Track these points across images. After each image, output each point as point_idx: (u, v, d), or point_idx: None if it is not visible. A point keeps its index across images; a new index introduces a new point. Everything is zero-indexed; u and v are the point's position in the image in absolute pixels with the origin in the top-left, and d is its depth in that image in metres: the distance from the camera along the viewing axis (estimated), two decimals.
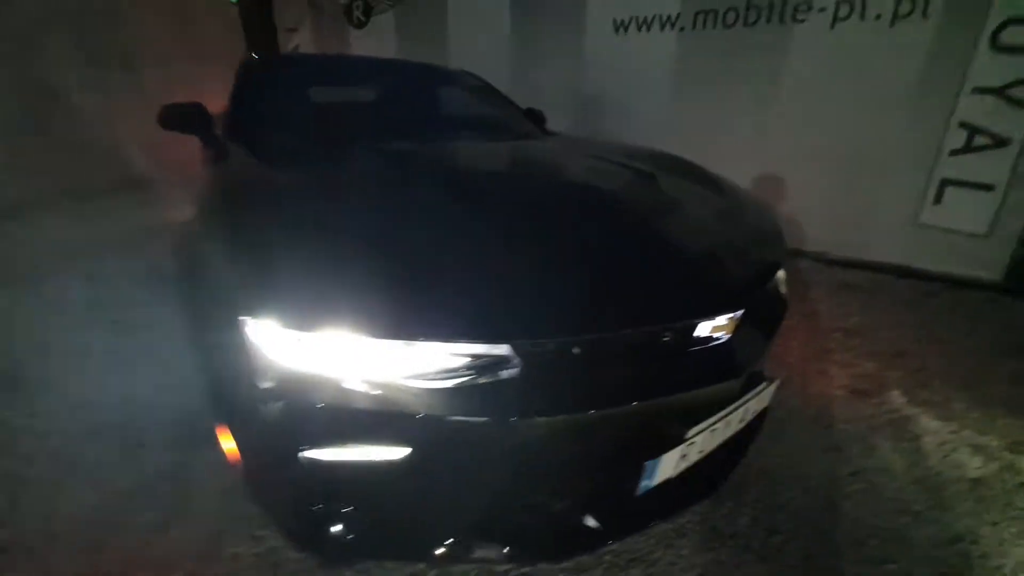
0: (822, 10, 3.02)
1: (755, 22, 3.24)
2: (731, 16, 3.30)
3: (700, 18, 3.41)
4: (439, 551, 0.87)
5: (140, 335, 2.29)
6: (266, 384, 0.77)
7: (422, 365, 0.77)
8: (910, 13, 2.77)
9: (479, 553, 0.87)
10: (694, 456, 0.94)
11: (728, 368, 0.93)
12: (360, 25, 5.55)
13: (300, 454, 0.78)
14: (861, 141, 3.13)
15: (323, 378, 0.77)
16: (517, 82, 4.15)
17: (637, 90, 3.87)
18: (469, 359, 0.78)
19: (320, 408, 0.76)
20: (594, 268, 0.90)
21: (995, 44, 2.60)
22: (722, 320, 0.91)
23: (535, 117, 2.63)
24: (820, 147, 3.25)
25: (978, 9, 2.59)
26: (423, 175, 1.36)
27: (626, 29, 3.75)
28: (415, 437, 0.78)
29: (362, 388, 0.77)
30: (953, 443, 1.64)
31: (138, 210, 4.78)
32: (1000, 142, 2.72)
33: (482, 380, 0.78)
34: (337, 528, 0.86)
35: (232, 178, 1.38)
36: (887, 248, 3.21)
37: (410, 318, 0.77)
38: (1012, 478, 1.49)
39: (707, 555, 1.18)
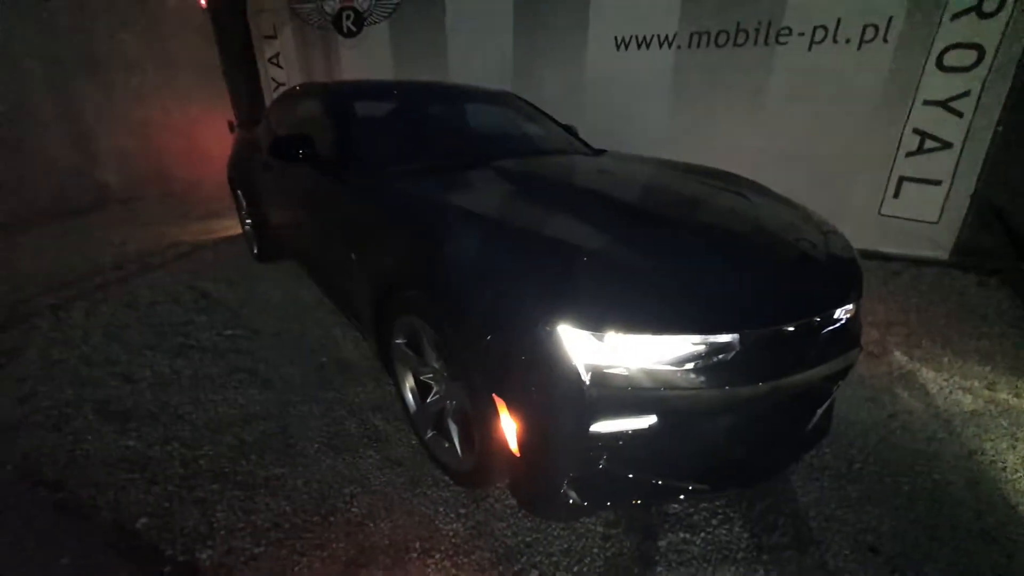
0: (801, 34, 3.52)
1: (744, 43, 3.70)
2: (723, 37, 3.75)
3: (695, 38, 3.84)
4: (666, 491, 1.17)
5: (229, 357, 2.37)
6: (571, 376, 1.03)
7: (676, 352, 1.06)
8: (874, 39, 3.32)
9: (701, 489, 1.17)
10: (828, 402, 1.30)
11: (857, 336, 1.30)
12: (351, 35, 5.57)
13: (591, 428, 1.05)
14: (834, 146, 3.68)
15: (611, 368, 1.04)
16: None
17: (637, 103, 4.25)
18: (705, 346, 1.08)
19: (608, 392, 1.03)
20: (772, 271, 1.22)
21: (940, 65, 3.19)
22: (852, 304, 1.28)
23: (573, 133, 2.93)
24: (800, 152, 3.77)
25: (927, 36, 3.17)
26: (575, 191, 1.68)
27: (626, 46, 4.12)
28: (665, 407, 1.08)
29: (636, 373, 1.05)
30: (949, 388, 2.13)
31: (132, 229, 4.60)
32: (945, 145, 3.34)
33: (715, 359, 1.08)
34: (592, 485, 1.14)
35: (419, 205, 1.59)
36: (856, 236, 3.74)
37: (675, 318, 1.06)
38: (994, 408, 1.99)
39: (815, 484, 1.56)
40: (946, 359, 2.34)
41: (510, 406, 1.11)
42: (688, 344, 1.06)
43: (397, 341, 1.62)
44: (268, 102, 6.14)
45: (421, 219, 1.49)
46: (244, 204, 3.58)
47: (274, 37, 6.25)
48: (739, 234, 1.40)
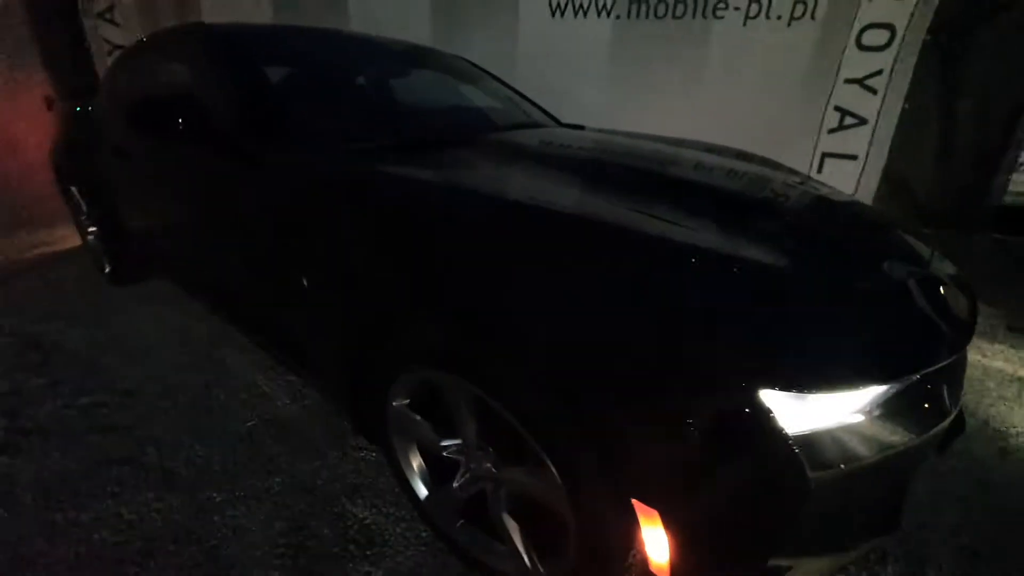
0: (737, 9, 3.48)
1: (682, 15, 3.58)
2: (662, 8, 3.59)
3: (634, 8, 3.63)
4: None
5: (93, 442, 1.59)
6: (786, 460, 0.66)
7: (866, 403, 0.75)
8: (803, 16, 3.38)
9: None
10: None
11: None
12: None
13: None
14: (765, 120, 3.75)
15: (821, 433, 0.69)
16: None
17: (573, 71, 3.95)
18: (893, 391, 0.77)
19: (809, 476, 0.67)
20: (910, 302, 0.92)
21: (859, 43, 3.36)
22: None
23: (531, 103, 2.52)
24: (733, 125, 3.75)
25: (849, 14, 3.30)
26: (628, 177, 1.26)
27: (563, 13, 3.78)
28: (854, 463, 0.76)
29: (844, 437, 0.71)
30: None
31: None
32: (861, 121, 3.56)
33: (892, 407, 0.78)
34: None
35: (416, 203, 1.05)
36: None
37: (880, 363, 0.76)
38: None
39: None
40: None
41: (666, 515, 0.71)
42: (881, 392, 0.75)
43: (396, 403, 1.09)
44: (100, 69, 4.71)
45: (458, 219, 0.96)
46: (84, 206, 2.57)
47: None
48: (870, 248, 1.11)
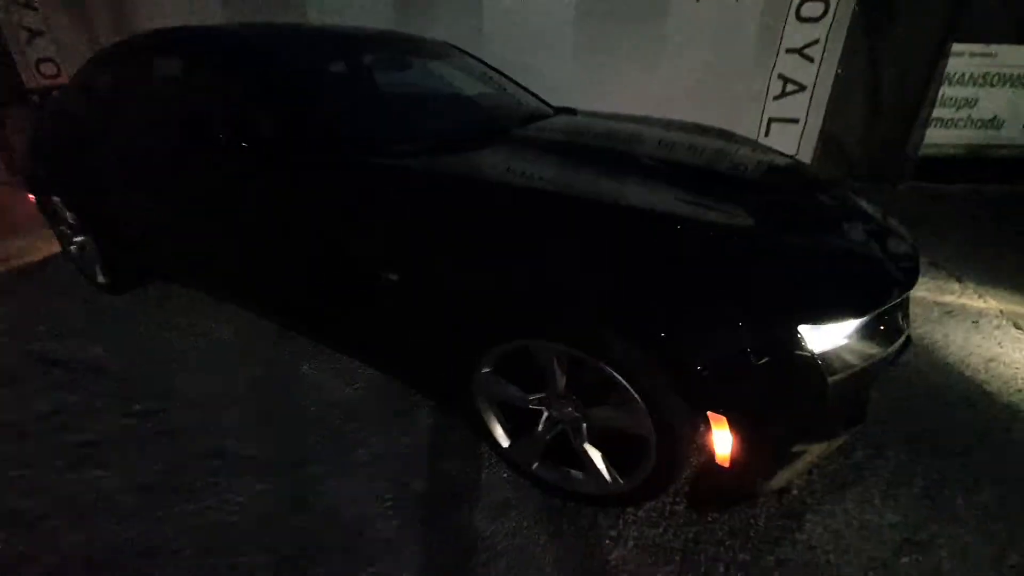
0: None
1: None
2: None
3: None
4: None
5: (168, 444, 1.68)
6: (816, 376, 0.98)
7: (854, 328, 1.07)
8: None
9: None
10: None
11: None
12: None
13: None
14: (717, 88, 4.07)
15: (839, 359, 1.02)
16: None
17: (539, 46, 4.06)
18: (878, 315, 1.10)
19: (842, 383, 0.99)
20: (877, 254, 1.27)
21: (799, 15, 3.71)
22: None
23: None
24: (689, 94, 4.08)
25: None
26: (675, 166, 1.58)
27: None
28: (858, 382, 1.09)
29: (854, 358, 1.05)
30: None
31: None
32: (801, 87, 3.97)
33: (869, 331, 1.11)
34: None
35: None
36: None
37: (875, 294, 1.10)
38: None
39: None
40: None
41: (732, 419, 1.01)
42: (864, 320, 1.08)
43: (484, 371, 1.31)
44: (18, 58, 4.25)
45: (547, 208, 1.22)
46: (71, 217, 2.48)
47: None
48: (846, 214, 1.46)
